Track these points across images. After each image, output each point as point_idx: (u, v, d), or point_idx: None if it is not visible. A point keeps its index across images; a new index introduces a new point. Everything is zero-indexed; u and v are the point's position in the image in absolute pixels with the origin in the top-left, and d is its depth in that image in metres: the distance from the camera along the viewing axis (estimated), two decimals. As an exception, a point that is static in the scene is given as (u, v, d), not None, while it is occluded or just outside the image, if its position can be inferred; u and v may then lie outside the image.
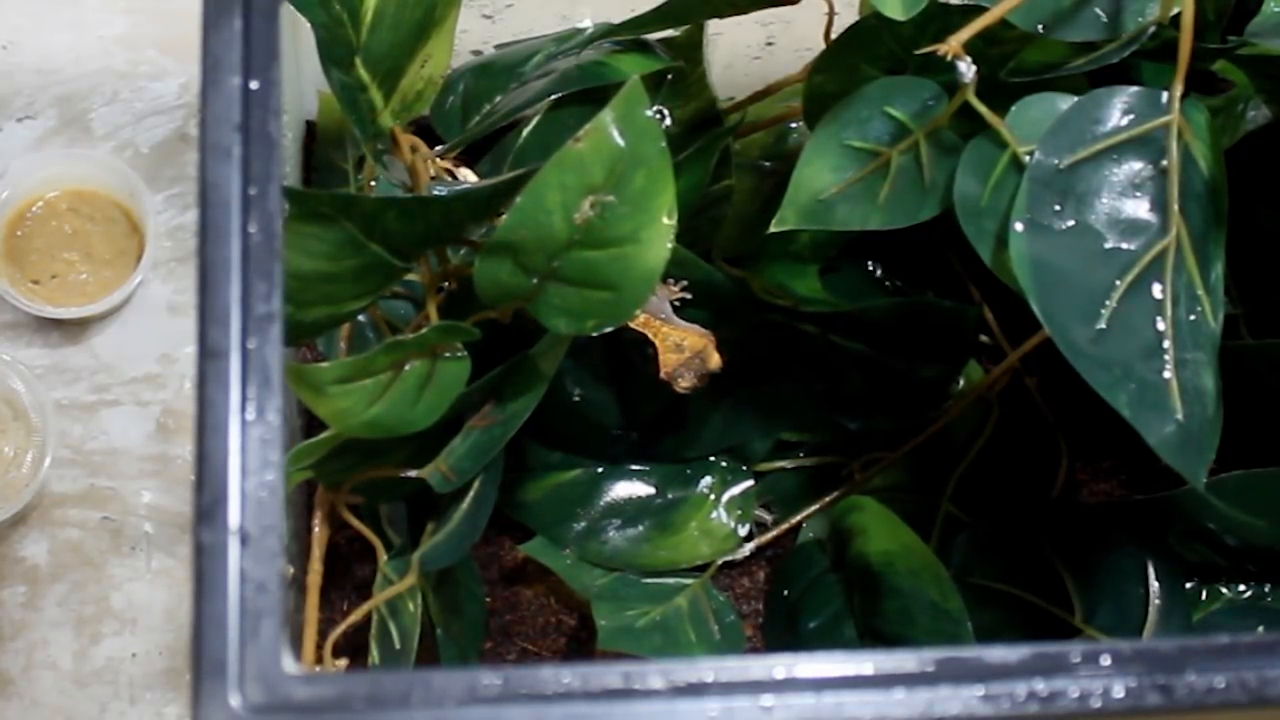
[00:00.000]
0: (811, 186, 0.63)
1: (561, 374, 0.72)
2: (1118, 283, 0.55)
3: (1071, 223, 0.56)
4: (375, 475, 0.66)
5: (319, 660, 0.67)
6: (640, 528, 0.78)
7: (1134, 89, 0.57)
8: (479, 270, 0.57)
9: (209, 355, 0.41)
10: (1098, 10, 0.59)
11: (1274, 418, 0.70)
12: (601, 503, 0.78)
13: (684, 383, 0.67)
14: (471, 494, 0.68)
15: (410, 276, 0.60)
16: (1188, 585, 0.74)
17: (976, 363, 0.82)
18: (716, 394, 0.75)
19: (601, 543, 0.78)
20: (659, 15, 0.68)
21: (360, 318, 0.76)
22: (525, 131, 0.74)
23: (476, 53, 0.80)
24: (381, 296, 0.61)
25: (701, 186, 0.73)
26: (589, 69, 0.70)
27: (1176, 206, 0.56)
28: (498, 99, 0.74)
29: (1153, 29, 0.58)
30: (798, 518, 0.81)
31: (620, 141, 0.53)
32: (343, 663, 0.67)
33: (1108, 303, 0.55)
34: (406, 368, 0.58)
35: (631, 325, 0.66)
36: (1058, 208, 0.56)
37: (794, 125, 0.79)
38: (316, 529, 0.68)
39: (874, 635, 0.73)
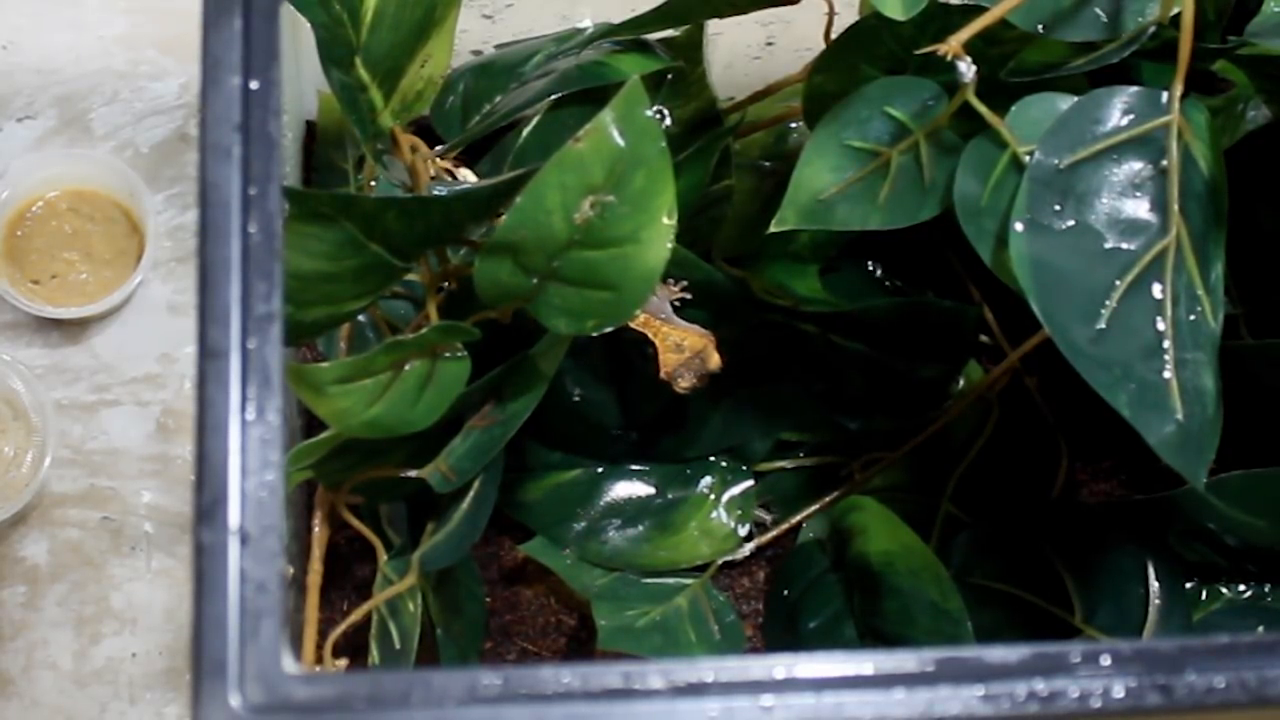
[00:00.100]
0: (811, 186, 0.63)
1: (561, 374, 0.72)
2: (1118, 283, 0.55)
3: (1071, 223, 0.56)
4: (375, 475, 0.66)
5: (319, 660, 0.67)
6: (640, 528, 0.78)
7: (1134, 89, 0.57)
8: (479, 270, 0.57)
9: (209, 355, 0.41)
10: (1098, 10, 0.59)
11: (1274, 418, 0.70)
12: (601, 503, 0.78)
13: (684, 383, 0.67)
14: (471, 494, 0.68)
15: (410, 276, 0.60)
16: (1188, 585, 0.74)
17: (976, 363, 0.82)
18: (716, 394, 0.75)
19: (601, 543, 0.78)
20: (659, 15, 0.68)
21: (360, 318, 0.76)
22: (525, 131, 0.74)
23: (476, 53, 0.80)
24: (381, 296, 0.61)
25: (701, 186, 0.73)
26: (589, 69, 0.70)
27: (1176, 206, 0.56)
28: (498, 99, 0.74)
29: (1153, 29, 0.58)
30: (798, 518, 0.81)
31: (620, 141, 0.53)
32: (343, 663, 0.67)
33: (1108, 303, 0.55)
34: (406, 368, 0.58)
35: (631, 325, 0.66)
36: (1058, 208, 0.56)
37: (794, 125, 0.79)
38: (316, 529, 0.68)
39: (874, 635, 0.73)
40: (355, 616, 0.68)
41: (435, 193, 0.65)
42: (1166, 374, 0.54)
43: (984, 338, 0.83)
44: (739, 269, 0.77)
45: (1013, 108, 0.59)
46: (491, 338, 0.60)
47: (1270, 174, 0.74)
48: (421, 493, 0.66)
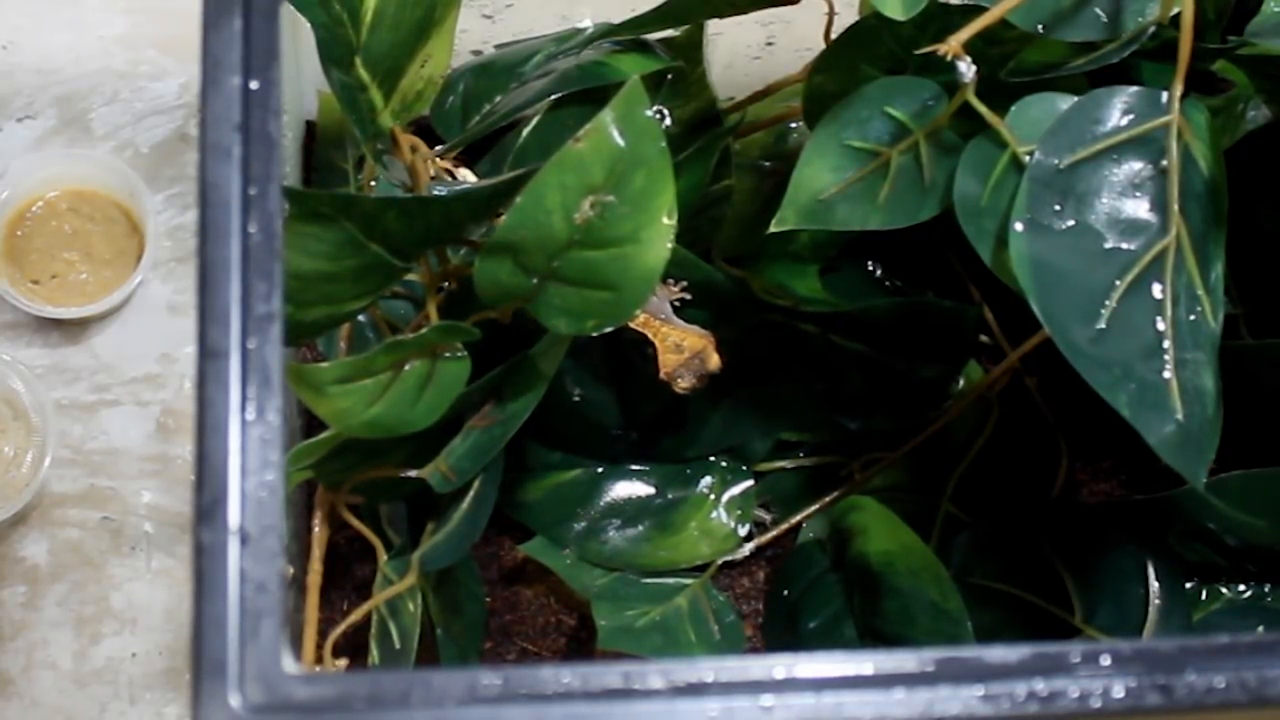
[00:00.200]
0: (811, 186, 0.63)
1: (561, 374, 0.72)
2: (1118, 283, 0.55)
3: (1071, 223, 0.56)
4: (375, 475, 0.66)
5: (319, 660, 0.67)
6: (640, 528, 0.78)
7: (1134, 89, 0.57)
8: (479, 270, 0.57)
9: (209, 355, 0.41)
10: (1098, 10, 0.59)
11: (1274, 418, 0.70)
12: (601, 503, 0.78)
13: (684, 383, 0.67)
14: (471, 494, 0.68)
15: (410, 276, 0.60)
16: (1188, 585, 0.74)
17: (976, 363, 0.82)
18: (716, 394, 0.75)
19: (601, 543, 0.78)
20: (659, 15, 0.68)
21: (360, 318, 0.76)
22: (525, 131, 0.74)
23: (476, 53, 0.80)
24: (381, 296, 0.61)
25: (701, 186, 0.73)
26: (589, 69, 0.70)
27: (1176, 206, 0.56)
28: (498, 99, 0.74)
29: (1153, 29, 0.58)
30: (798, 518, 0.81)
31: (620, 141, 0.53)
32: (343, 663, 0.67)
33: (1108, 303, 0.55)
34: (406, 368, 0.58)
35: (631, 325, 0.66)
36: (1058, 208, 0.56)
37: (794, 125, 0.79)
38: (316, 529, 0.68)
39: (874, 635, 0.73)
40: (355, 616, 0.68)
41: (435, 193, 0.65)
42: (1166, 374, 0.54)
43: (984, 338, 0.83)
44: (739, 269, 0.77)
45: (1013, 108, 0.59)
46: (491, 338, 0.60)
47: (1270, 174, 0.74)
48: (421, 493, 0.66)
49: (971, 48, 0.57)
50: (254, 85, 0.43)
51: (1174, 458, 0.54)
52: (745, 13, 0.68)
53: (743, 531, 0.80)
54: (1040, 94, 0.59)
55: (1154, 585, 0.71)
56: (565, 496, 0.78)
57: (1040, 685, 0.40)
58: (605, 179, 0.54)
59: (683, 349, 0.67)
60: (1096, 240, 0.56)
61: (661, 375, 0.67)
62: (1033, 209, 0.56)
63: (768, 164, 0.79)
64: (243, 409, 0.41)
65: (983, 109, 0.58)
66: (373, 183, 0.77)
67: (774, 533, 0.81)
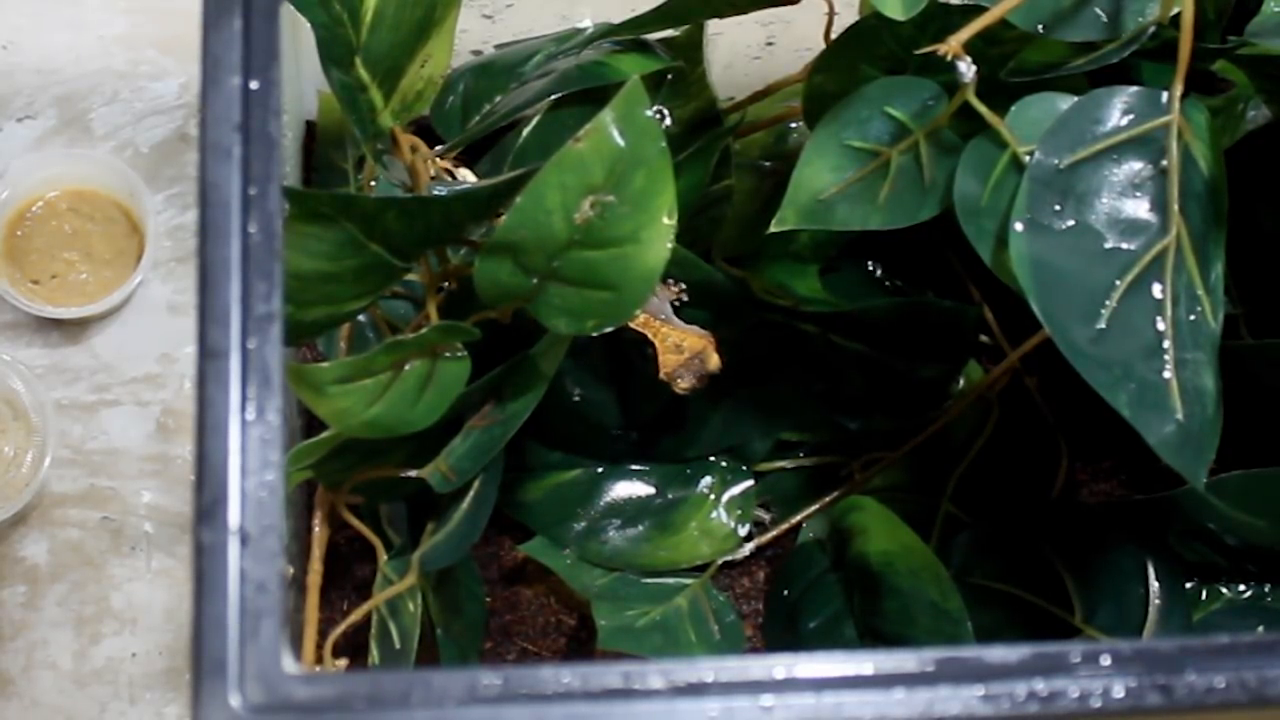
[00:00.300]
0: (811, 186, 0.63)
1: (561, 374, 0.72)
2: (1118, 283, 0.55)
3: (1071, 223, 0.56)
4: (375, 475, 0.66)
5: (319, 660, 0.67)
6: (640, 528, 0.78)
7: (1134, 89, 0.57)
8: (479, 270, 0.57)
9: (209, 355, 0.41)
10: (1098, 10, 0.59)
11: (1274, 418, 0.70)
12: (601, 503, 0.78)
13: (683, 383, 0.67)
14: (471, 494, 0.68)
15: (410, 276, 0.60)
16: (1188, 585, 0.74)
17: (976, 363, 0.82)
18: (716, 394, 0.75)
19: (601, 543, 0.78)
20: (659, 15, 0.68)
21: (360, 318, 0.76)
22: (525, 131, 0.74)
23: (476, 53, 0.80)
24: (381, 296, 0.61)
25: (701, 186, 0.73)
26: (589, 69, 0.70)
27: (1176, 206, 0.56)
28: (498, 99, 0.74)
29: (1153, 29, 0.58)
30: (798, 518, 0.81)
31: (620, 141, 0.53)
32: (343, 663, 0.67)
33: (1108, 303, 0.55)
34: (406, 368, 0.58)
35: (631, 325, 0.66)
36: (1058, 208, 0.56)
37: (794, 125, 0.79)
38: (316, 529, 0.68)
39: (874, 635, 0.73)
40: (355, 616, 0.68)
41: (435, 193, 0.65)
42: (1166, 374, 0.54)
43: (984, 338, 0.83)
44: (739, 269, 0.77)
45: (1013, 108, 0.59)
46: (491, 338, 0.60)
47: (1270, 174, 0.74)
48: (421, 493, 0.66)
49: (971, 48, 0.57)
50: (254, 85, 0.43)
51: (1174, 458, 0.54)
52: (745, 13, 0.68)
53: (743, 531, 0.80)
54: (1040, 94, 0.59)
55: (1154, 585, 0.71)
56: (565, 496, 0.78)
57: (1040, 685, 0.40)
58: (605, 179, 0.54)
59: (683, 349, 0.67)
60: (1096, 240, 0.56)
61: (661, 375, 0.67)
62: (1033, 209, 0.56)
63: (768, 164, 0.79)
64: (243, 409, 0.41)
65: (983, 109, 0.58)
66: (373, 183, 0.77)
67: (774, 533, 0.81)
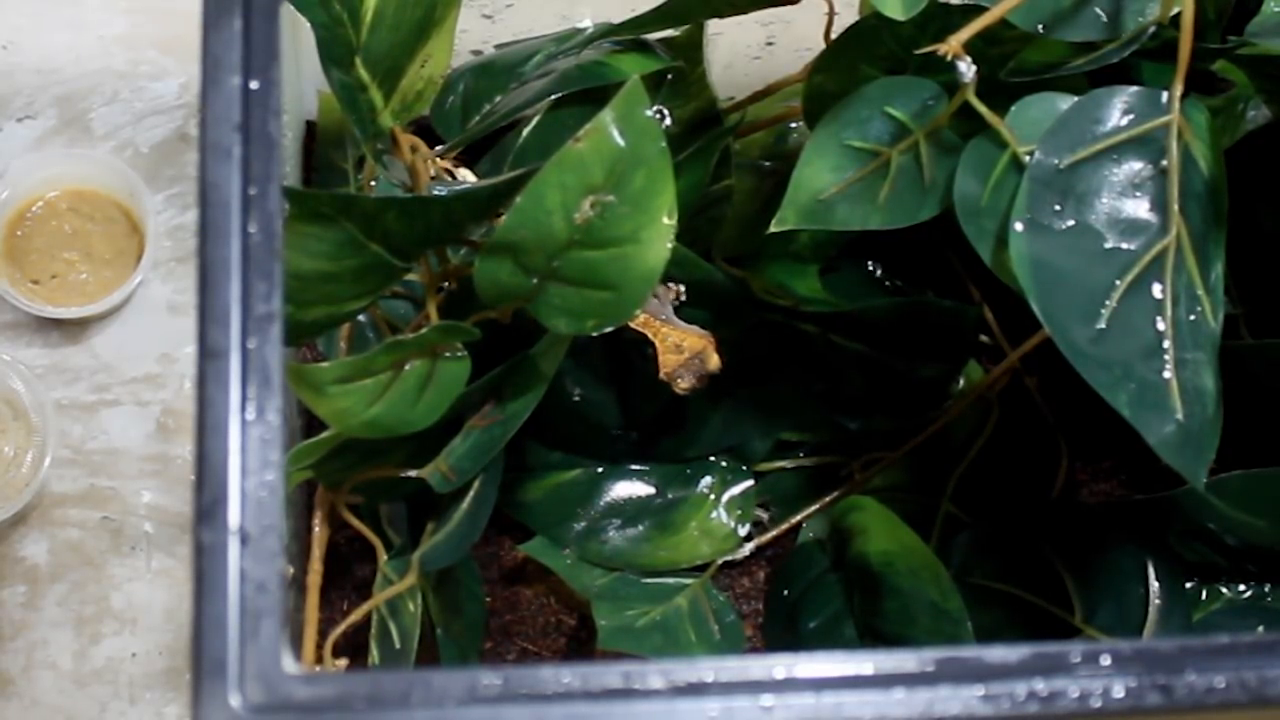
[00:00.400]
0: (811, 186, 0.63)
1: (561, 374, 0.72)
2: (1118, 283, 0.55)
3: (1071, 223, 0.56)
4: (375, 475, 0.66)
5: (319, 660, 0.67)
6: (640, 528, 0.78)
7: (1134, 89, 0.57)
8: (479, 270, 0.57)
9: (209, 355, 0.41)
10: (1098, 10, 0.59)
11: (1274, 418, 0.70)
12: (601, 503, 0.78)
13: (684, 383, 0.67)
14: (471, 494, 0.68)
15: (410, 276, 0.60)
16: (1188, 585, 0.74)
17: (976, 363, 0.82)
18: (716, 394, 0.75)
19: (601, 543, 0.78)
20: (659, 15, 0.68)
21: (360, 318, 0.76)
22: (525, 131, 0.74)
23: (476, 53, 0.80)
24: (381, 296, 0.61)
25: (701, 186, 0.73)
26: (589, 69, 0.70)
27: (1176, 206, 0.56)
28: (498, 99, 0.74)
29: (1153, 29, 0.58)
30: (798, 518, 0.81)
31: (620, 141, 0.53)
32: (343, 663, 0.67)
33: (1108, 303, 0.55)
34: (406, 368, 0.58)
35: (631, 325, 0.66)
36: (1058, 208, 0.56)
37: (794, 125, 0.79)
38: (316, 529, 0.68)
39: (874, 635, 0.73)
40: (355, 616, 0.68)
41: (435, 193, 0.65)
42: (1166, 374, 0.54)
43: (984, 338, 0.83)
44: (739, 269, 0.77)
45: (1013, 108, 0.59)
46: (491, 338, 0.60)
47: (1270, 174, 0.74)
48: (421, 493, 0.66)
49: (971, 48, 0.57)
50: (254, 85, 0.43)
51: (1174, 458, 0.54)
52: (745, 13, 0.68)
53: (743, 531, 0.80)
54: (1040, 94, 0.59)
55: (1154, 585, 0.71)
56: (565, 496, 0.78)
57: (1040, 685, 0.40)
58: (605, 179, 0.54)
59: (683, 349, 0.67)
60: (1096, 240, 0.56)
61: (661, 375, 0.67)
62: (1033, 209, 0.56)
63: (768, 164, 0.79)
64: (243, 409, 0.41)
65: (983, 109, 0.58)
66: (373, 183, 0.77)
67: (774, 533, 0.81)
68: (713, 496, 0.80)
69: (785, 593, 0.80)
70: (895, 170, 0.62)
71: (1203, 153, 0.57)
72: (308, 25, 0.60)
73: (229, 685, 0.39)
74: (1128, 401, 0.54)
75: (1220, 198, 0.57)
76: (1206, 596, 0.74)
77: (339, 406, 0.57)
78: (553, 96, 0.70)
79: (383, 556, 0.68)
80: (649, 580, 0.78)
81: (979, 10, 0.57)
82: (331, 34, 0.61)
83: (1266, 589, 0.75)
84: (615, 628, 0.75)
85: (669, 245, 0.55)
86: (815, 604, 0.77)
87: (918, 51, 0.60)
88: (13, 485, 0.83)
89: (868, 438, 0.80)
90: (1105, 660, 0.40)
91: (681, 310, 0.68)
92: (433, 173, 0.68)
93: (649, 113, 0.53)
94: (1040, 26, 0.58)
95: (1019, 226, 0.55)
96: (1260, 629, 0.73)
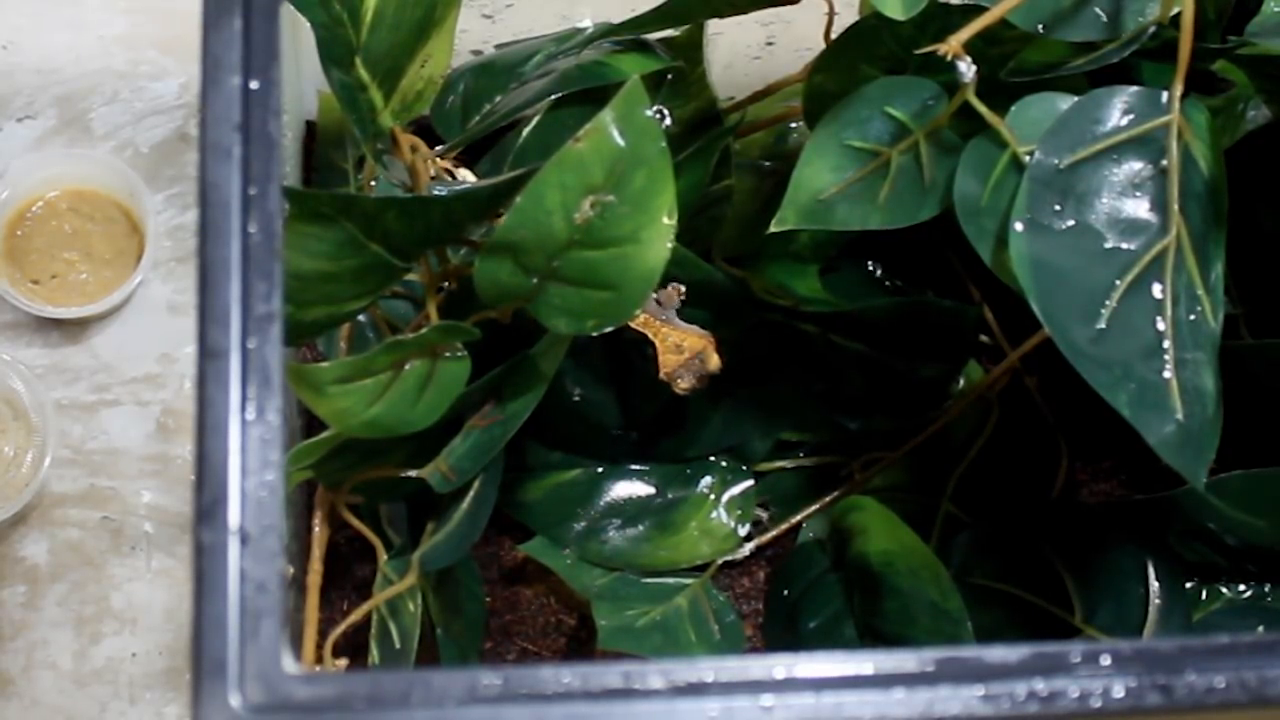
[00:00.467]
0: (811, 186, 0.63)
1: (561, 374, 0.72)
2: (1118, 283, 0.55)
3: (1071, 223, 0.56)
4: (375, 475, 0.66)
5: (319, 660, 0.67)
6: (640, 528, 0.78)
7: (1134, 89, 0.57)
8: (479, 270, 0.57)
9: (209, 355, 0.41)
10: (1098, 10, 0.59)
11: (1274, 418, 0.70)
12: (601, 503, 0.78)
13: (684, 384, 0.67)
14: (471, 494, 0.68)
15: (410, 276, 0.60)
16: (1188, 585, 0.74)
17: (976, 363, 0.82)
18: (716, 394, 0.75)
19: (601, 543, 0.78)
20: (659, 15, 0.68)
21: (360, 318, 0.76)
22: (525, 131, 0.74)
23: (476, 53, 0.80)
24: (381, 296, 0.61)
25: (701, 186, 0.73)
26: (589, 69, 0.70)
27: (1176, 206, 0.56)
28: (498, 99, 0.74)
29: (1153, 29, 0.58)
30: (798, 518, 0.81)
31: (620, 141, 0.53)
32: (343, 663, 0.67)
33: (1108, 303, 0.55)
34: (406, 368, 0.58)
35: (631, 325, 0.66)
36: (1058, 208, 0.56)
37: (794, 125, 0.79)
38: (316, 529, 0.68)
39: (874, 635, 0.73)
40: (355, 616, 0.68)
41: (435, 193, 0.65)
42: (1166, 374, 0.54)
43: (984, 338, 0.83)
44: (739, 269, 0.77)
45: (1013, 108, 0.59)
46: (491, 338, 0.60)
47: (1270, 174, 0.74)
48: (421, 493, 0.66)
49: (971, 48, 0.57)
50: (254, 85, 0.43)
51: (1174, 458, 0.54)
52: (745, 13, 0.68)
53: (743, 531, 0.80)
54: (1040, 94, 0.59)
55: (1154, 585, 0.71)
56: (565, 496, 0.78)
57: (1040, 685, 0.40)
58: (605, 179, 0.54)
59: (683, 349, 0.67)
60: (1096, 240, 0.56)
61: (661, 375, 0.67)
62: (1033, 209, 0.56)
63: (768, 164, 0.79)
64: (243, 409, 0.41)
65: (983, 109, 0.58)
66: (373, 183, 0.77)
67: (774, 533, 0.81)
68: (713, 496, 0.80)
69: (785, 593, 0.80)
70: (895, 170, 0.62)
71: (1203, 153, 0.57)
72: (308, 25, 0.60)
73: (229, 685, 0.39)
74: (1128, 401, 0.54)
75: (1220, 198, 0.57)
76: (1206, 596, 0.74)
77: (339, 406, 0.57)
78: (553, 96, 0.70)
79: (383, 556, 0.68)
80: (649, 580, 0.78)
81: (979, 10, 0.57)
82: (331, 34, 0.61)
83: (1266, 589, 0.75)
84: (615, 628, 0.75)
85: (669, 245, 0.55)
86: (815, 604, 0.77)
87: (918, 51, 0.60)
88: (13, 485, 0.83)
89: (868, 438, 0.80)
90: (1105, 660, 0.40)
91: (681, 310, 0.68)
92: (433, 173, 0.68)
93: (649, 113, 0.53)
94: (1040, 26, 0.58)
95: (1019, 226, 0.55)
96: (1260, 629, 0.73)
